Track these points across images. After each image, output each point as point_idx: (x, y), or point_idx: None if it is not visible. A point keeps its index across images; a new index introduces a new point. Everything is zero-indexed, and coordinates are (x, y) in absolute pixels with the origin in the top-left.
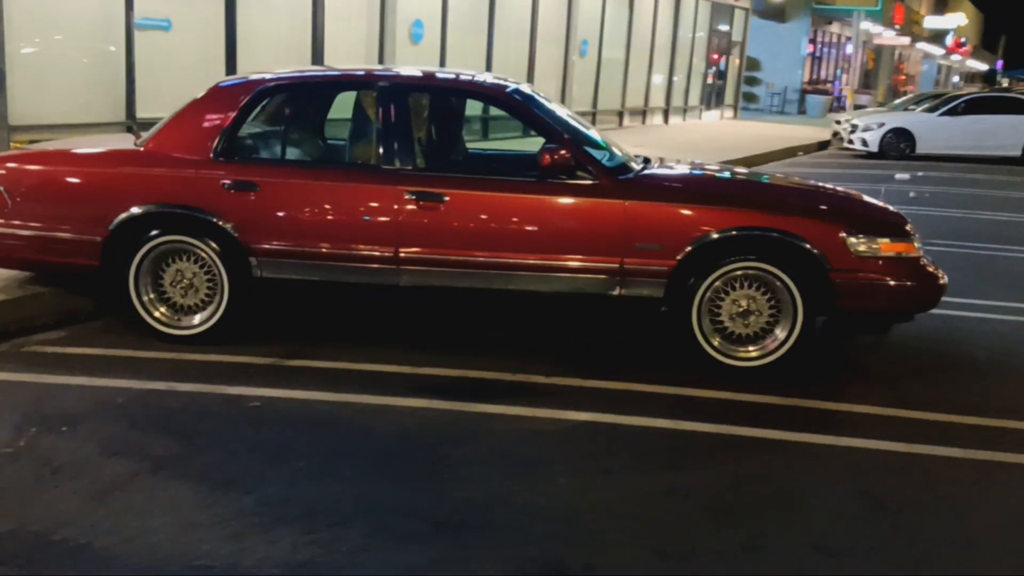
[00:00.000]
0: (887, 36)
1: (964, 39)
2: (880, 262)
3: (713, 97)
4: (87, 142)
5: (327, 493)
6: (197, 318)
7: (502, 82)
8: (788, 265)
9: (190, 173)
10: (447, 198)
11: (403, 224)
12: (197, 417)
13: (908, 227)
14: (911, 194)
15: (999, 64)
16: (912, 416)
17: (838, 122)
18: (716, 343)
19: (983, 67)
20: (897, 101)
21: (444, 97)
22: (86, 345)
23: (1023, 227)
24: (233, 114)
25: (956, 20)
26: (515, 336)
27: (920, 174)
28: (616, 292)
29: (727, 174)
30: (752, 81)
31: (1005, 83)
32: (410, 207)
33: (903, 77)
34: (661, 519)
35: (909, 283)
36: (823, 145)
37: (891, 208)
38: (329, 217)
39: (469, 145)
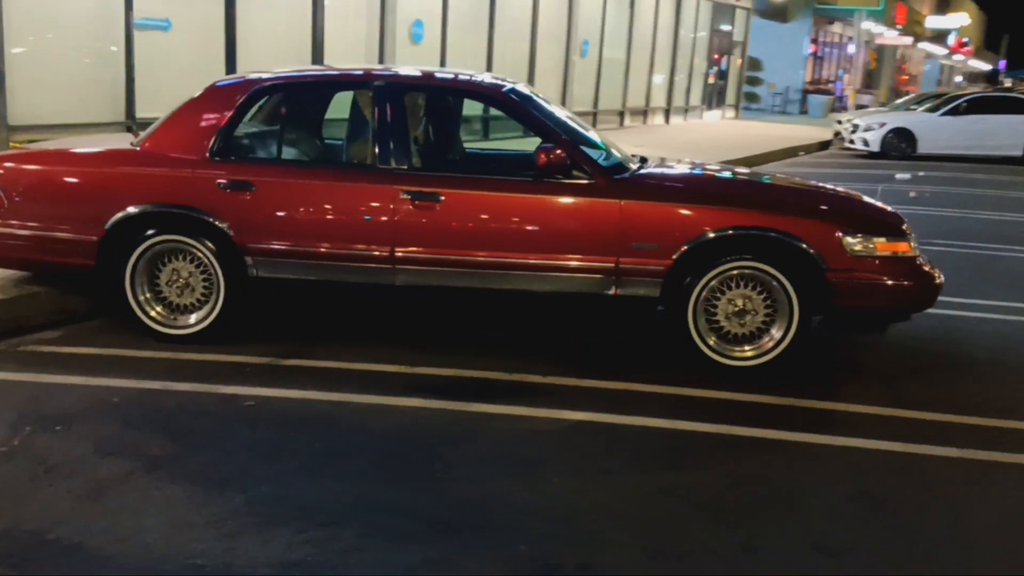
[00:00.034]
0: (889, 36)
1: (967, 39)
2: (876, 261)
3: (714, 97)
4: (85, 142)
5: (323, 493)
6: (193, 318)
7: (499, 82)
8: (784, 265)
9: (186, 173)
10: (443, 197)
11: (399, 224)
12: (193, 417)
13: (904, 226)
14: (911, 194)
15: (1002, 64)
16: (910, 416)
17: (839, 122)
18: (712, 343)
19: (986, 67)
20: (899, 101)
21: (440, 97)
22: (82, 344)
23: (1023, 227)
24: (229, 113)
25: (959, 20)
26: (514, 336)
27: (921, 174)
28: (612, 292)
29: (725, 174)
30: (754, 81)
31: (1008, 83)
32: (406, 207)
33: (905, 77)
34: (660, 519)
35: (905, 282)
36: (824, 145)
37: (888, 207)
38: (325, 217)
39: (469, 145)
